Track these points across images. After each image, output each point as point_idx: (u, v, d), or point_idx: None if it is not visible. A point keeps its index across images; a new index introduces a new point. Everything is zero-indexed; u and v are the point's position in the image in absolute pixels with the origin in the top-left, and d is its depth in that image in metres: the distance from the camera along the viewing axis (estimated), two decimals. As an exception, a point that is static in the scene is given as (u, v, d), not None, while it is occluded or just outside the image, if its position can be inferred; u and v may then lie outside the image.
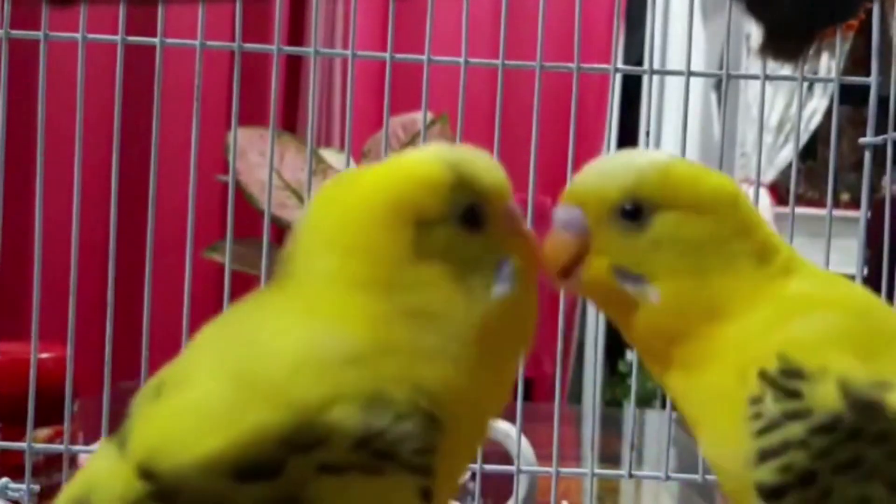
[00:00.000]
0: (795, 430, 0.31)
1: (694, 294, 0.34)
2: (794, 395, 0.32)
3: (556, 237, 0.36)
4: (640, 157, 0.36)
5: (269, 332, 0.31)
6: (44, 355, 0.59)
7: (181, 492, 0.29)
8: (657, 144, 2.10)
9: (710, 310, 0.34)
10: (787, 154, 2.14)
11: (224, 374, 0.30)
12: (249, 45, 0.58)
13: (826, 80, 0.65)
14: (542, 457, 0.62)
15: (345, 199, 0.33)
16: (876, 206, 0.61)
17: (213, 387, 0.30)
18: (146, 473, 0.29)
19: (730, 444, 0.33)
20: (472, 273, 0.32)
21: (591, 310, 1.84)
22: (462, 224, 0.33)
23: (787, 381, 0.32)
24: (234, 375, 0.30)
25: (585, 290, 0.37)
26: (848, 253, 0.59)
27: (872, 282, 0.57)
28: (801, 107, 0.68)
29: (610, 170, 0.36)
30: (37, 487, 0.58)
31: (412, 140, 0.98)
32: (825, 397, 0.31)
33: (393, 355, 0.30)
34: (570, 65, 0.58)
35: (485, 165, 0.34)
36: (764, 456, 0.32)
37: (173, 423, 0.30)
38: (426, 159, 0.33)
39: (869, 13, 0.58)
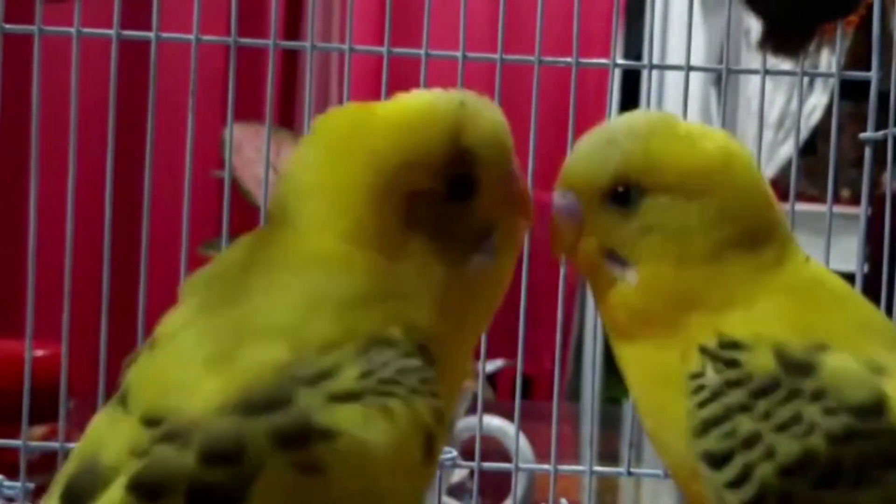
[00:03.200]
0: (737, 396, 0.32)
1: (671, 283, 0.35)
2: (733, 364, 0.33)
3: (555, 222, 0.37)
4: (624, 134, 0.36)
5: (267, 278, 0.32)
6: (39, 353, 0.59)
7: (192, 433, 0.28)
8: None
9: (684, 299, 0.34)
10: (788, 150, 2.14)
11: (223, 319, 0.31)
12: (245, 40, 0.58)
13: (826, 76, 0.65)
14: (541, 454, 0.62)
15: (343, 152, 0.33)
16: (876, 202, 0.60)
17: (211, 332, 0.31)
18: (151, 421, 0.29)
19: (674, 421, 0.34)
20: (456, 243, 0.33)
21: (590, 308, 1.84)
22: (452, 195, 0.33)
23: (725, 352, 0.33)
24: (234, 320, 0.31)
25: (581, 271, 0.38)
26: (848, 250, 0.58)
27: (873, 279, 0.56)
28: (801, 102, 0.68)
29: (596, 152, 0.36)
30: (32, 485, 0.57)
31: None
32: (762, 363, 0.33)
33: (386, 301, 0.31)
34: (569, 59, 0.58)
35: (490, 130, 0.34)
36: (707, 425, 0.33)
37: (174, 368, 0.30)
38: (427, 125, 0.33)
39: (869, 8, 0.58)
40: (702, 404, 0.33)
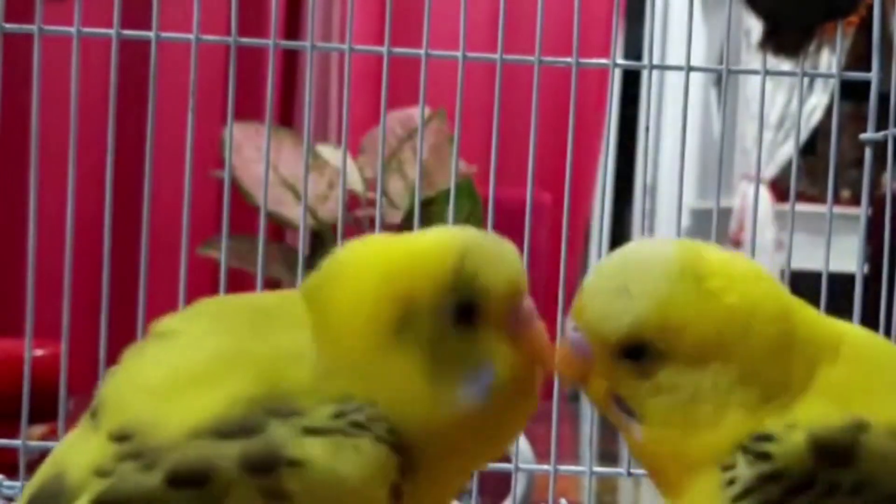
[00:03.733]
0: (771, 492, 0.31)
1: (675, 446, 0.33)
2: (764, 457, 0.32)
3: (564, 354, 0.35)
4: (639, 287, 0.33)
5: (260, 326, 0.32)
6: (38, 352, 0.59)
7: (161, 455, 0.29)
8: (657, 140, 2.10)
9: (685, 462, 0.33)
10: (788, 150, 2.14)
11: (207, 348, 0.32)
12: (245, 40, 0.58)
13: (827, 76, 0.65)
14: (541, 455, 0.62)
15: (358, 259, 0.33)
16: (877, 202, 0.60)
17: (192, 357, 0.31)
18: (120, 437, 0.30)
19: None
20: (447, 371, 0.32)
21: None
22: (452, 319, 0.32)
23: (756, 444, 0.32)
24: (216, 351, 0.31)
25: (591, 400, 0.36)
26: (848, 250, 0.58)
27: (873, 279, 0.56)
28: (801, 103, 0.68)
29: (609, 304, 0.34)
30: (31, 485, 0.57)
31: (410, 136, 0.98)
32: (794, 454, 0.31)
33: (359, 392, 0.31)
34: (569, 60, 0.58)
35: (499, 264, 0.33)
36: None
37: (147, 387, 0.31)
38: (438, 248, 0.33)
39: (869, 9, 0.58)
40: (735, 499, 0.32)
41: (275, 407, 0.30)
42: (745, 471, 0.32)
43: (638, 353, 0.33)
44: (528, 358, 0.34)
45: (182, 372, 0.31)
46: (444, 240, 0.33)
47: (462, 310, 0.32)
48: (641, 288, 0.33)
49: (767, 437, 0.32)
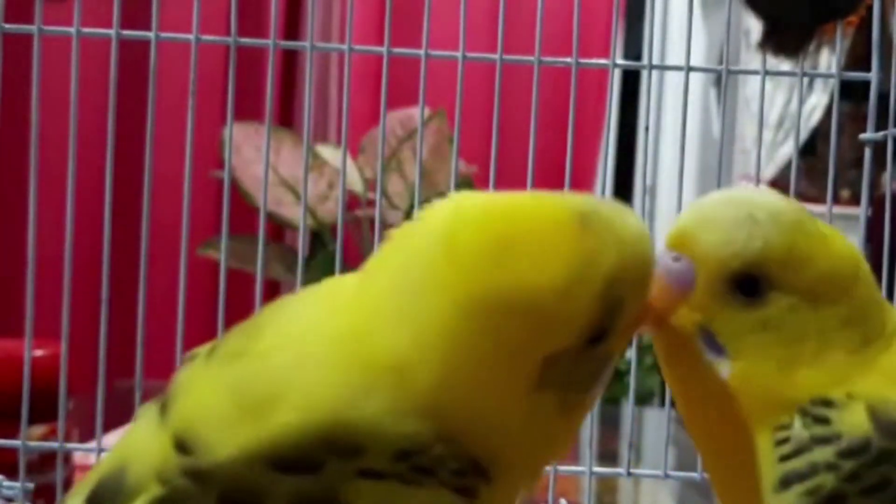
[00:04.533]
0: (824, 453, 0.31)
1: (767, 383, 0.32)
2: (823, 420, 0.32)
3: (662, 285, 0.33)
4: (768, 218, 0.32)
5: (333, 343, 0.30)
6: (38, 353, 0.59)
7: (216, 475, 0.28)
8: (657, 140, 2.10)
9: (775, 400, 0.32)
10: (787, 150, 2.14)
11: (277, 360, 0.30)
12: (245, 40, 0.58)
13: (826, 76, 0.65)
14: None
15: (470, 279, 0.28)
16: (876, 203, 0.60)
17: (263, 372, 0.30)
18: (182, 446, 0.29)
19: (753, 471, 0.32)
20: (576, 388, 0.30)
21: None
22: (587, 345, 0.30)
23: (815, 408, 0.32)
24: (283, 369, 0.30)
25: (661, 335, 0.34)
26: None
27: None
28: (801, 103, 0.68)
29: (737, 230, 0.32)
30: (31, 485, 0.57)
31: (409, 136, 0.98)
32: (854, 422, 0.31)
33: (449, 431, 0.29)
34: (569, 60, 0.58)
35: (640, 265, 0.30)
36: (790, 480, 0.31)
37: (216, 399, 0.29)
38: (580, 283, 0.28)
39: (869, 9, 0.58)
40: (785, 458, 0.31)
41: (337, 440, 0.28)
42: (800, 432, 0.32)
43: (750, 284, 0.32)
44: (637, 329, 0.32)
45: (252, 388, 0.29)
46: (577, 278, 0.28)
47: (598, 335, 0.30)
48: (769, 217, 0.32)
49: (828, 402, 0.32)
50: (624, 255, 0.30)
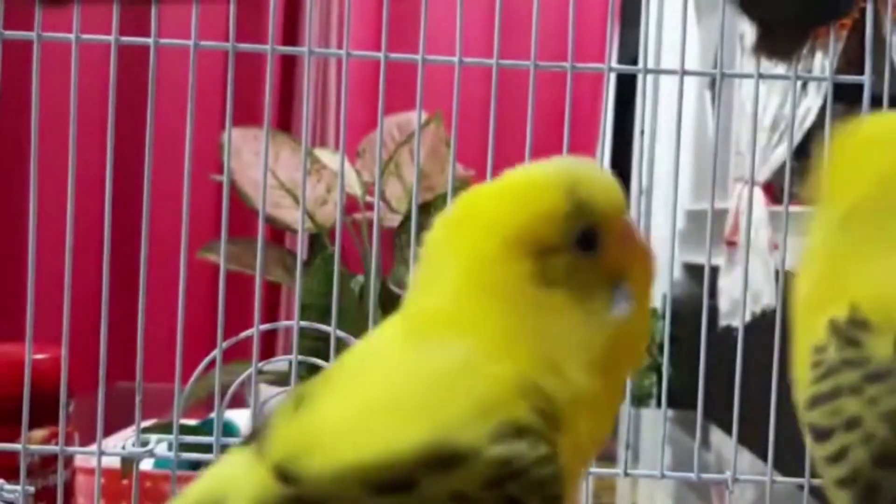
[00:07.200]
0: (850, 376, 0.32)
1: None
2: (855, 343, 0.33)
3: None
4: None
5: (403, 357, 0.32)
6: (39, 356, 0.59)
7: (318, 497, 0.29)
8: (652, 143, 2.10)
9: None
10: (782, 153, 2.15)
11: (365, 391, 0.32)
12: (243, 45, 0.58)
13: (820, 79, 0.66)
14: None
15: (463, 231, 0.33)
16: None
17: (355, 401, 0.31)
18: (284, 476, 0.30)
19: (799, 389, 0.34)
20: (591, 296, 0.33)
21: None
22: (578, 249, 0.33)
23: (851, 330, 0.33)
24: (374, 394, 0.31)
25: None
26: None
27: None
28: (794, 106, 0.68)
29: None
30: (32, 489, 0.58)
31: (407, 140, 0.98)
32: (883, 348, 0.33)
33: (522, 374, 0.31)
34: (565, 64, 0.58)
35: (601, 185, 0.34)
36: (817, 400, 0.33)
37: (314, 430, 0.31)
38: (542, 185, 0.33)
39: (863, 12, 0.58)
40: (817, 379, 0.33)
41: (433, 454, 0.29)
42: (833, 353, 0.33)
43: None
44: (644, 266, 0.35)
45: (344, 417, 0.31)
46: (545, 180, 0.33)
47: (585, 237, 0.33)
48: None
49: (863, 324, 0.33)
50: (582, 171, 0.34)
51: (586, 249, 0.33)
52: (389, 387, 0.31)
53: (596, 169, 0.35)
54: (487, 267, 0.32)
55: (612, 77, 0.60)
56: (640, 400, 1.76)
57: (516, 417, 0.30)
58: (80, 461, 0.66)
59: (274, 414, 0.33)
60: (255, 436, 0.33)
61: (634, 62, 0.62)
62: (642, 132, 0.57)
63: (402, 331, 0.33)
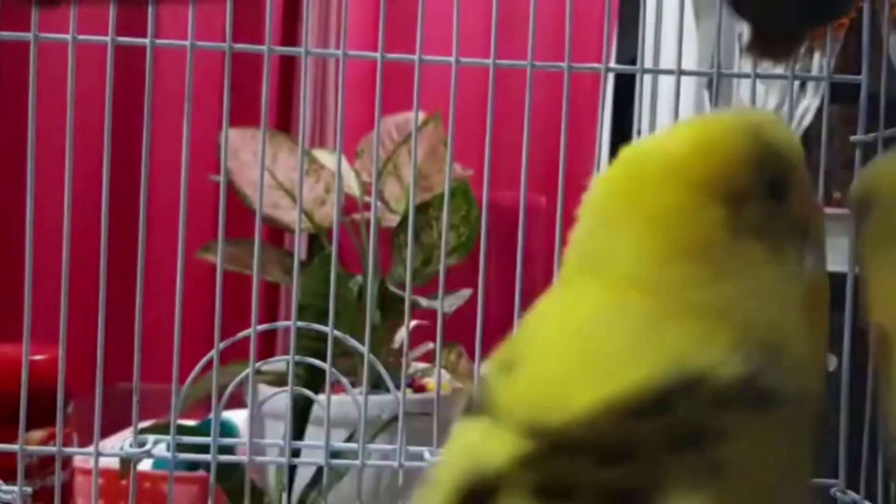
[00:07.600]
0: None
1: None
2: None
3: None
4: None
5: (610, 314, 0.31)
6: (36, 357, 0.59)
7: (572, 442, 0.28)
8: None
9: None
10: (780, 152, 2.14)
11: (581, 345, 0.30)
12: (240, 46, 0.58)
13: (817, 79, 0.66)
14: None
15: (641, 184, 0.31)
16: (867, 203, 0.60)
17: (576, 354, 0.30)
18: (533, 431, 0.29)
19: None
20: (785, 246, 0.31)
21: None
22: (769, 197, 0.31)
23: None
24: (592, 346, 0.30)
25: None
26: (840, 251, 0.59)
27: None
28: (792, 105, 0.68)
29: None
30: (29, 490, 0.58)
31: (405, 140, 0.98)
32: None
33: (736, 322, 0.30)
34: (562, 64, 0.58)
35: (784, 134, 0.33)
36: None
37: (548, 384, 0.30)
38: (731, 129, 0.32)
39: (860, 11, 0.58)
40: None
41: (683, 381, 0.28)
42: None
43: None
44: (819, 224, 0.34)
45: (576, 363, 0.30)
46: (733, 127, 0.32)
47: (774, 185, 0.32)
48: None
49: None
50: (773, 121, 0.33)
51: (776, 197, 0.31)
52: (607, 338, 0.30)
53: (777, 119, 0.33)
54: (675, 217, 0.30)
55: (610, 77, 0.60)
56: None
57: (741, 345, 0.29)
58: (78, 462, 0.66)
59: (483, 384, 0.31)
60: (470, 409, 0.31)
61: (633, 62, 0.62)
62: (639, 132, 0.58)
63: (595, 293, 0.31)
